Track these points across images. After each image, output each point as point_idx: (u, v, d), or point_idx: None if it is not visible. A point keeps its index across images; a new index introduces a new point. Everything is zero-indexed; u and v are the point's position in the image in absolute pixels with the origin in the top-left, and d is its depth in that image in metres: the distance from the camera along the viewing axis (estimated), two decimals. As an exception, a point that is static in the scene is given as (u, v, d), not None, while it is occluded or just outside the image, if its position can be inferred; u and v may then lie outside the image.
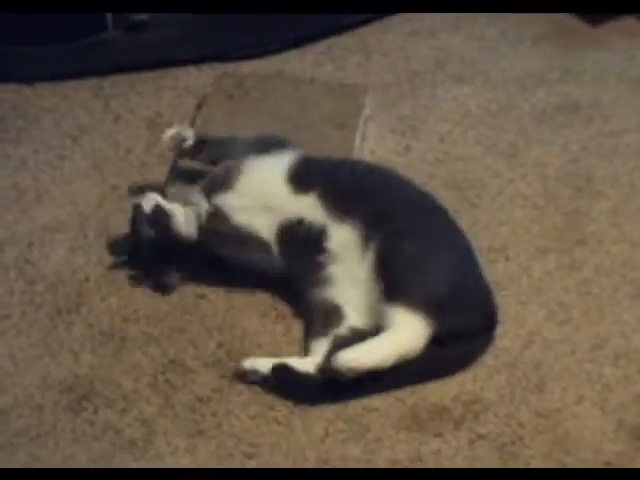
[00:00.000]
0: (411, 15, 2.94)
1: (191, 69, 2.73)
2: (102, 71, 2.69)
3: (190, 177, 2.21)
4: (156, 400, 1.86)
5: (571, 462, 1.75)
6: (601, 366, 1.91)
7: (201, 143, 2.20)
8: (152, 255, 2.06)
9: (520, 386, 1.87)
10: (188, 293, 2.07)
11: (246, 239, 2.02)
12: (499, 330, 1.97)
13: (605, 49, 2.85)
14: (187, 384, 1.89)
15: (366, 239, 1.94)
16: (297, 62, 2.68)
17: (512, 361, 1.92)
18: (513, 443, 1.79)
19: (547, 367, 1.91)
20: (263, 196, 2.04)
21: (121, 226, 2.18)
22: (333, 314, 1.92)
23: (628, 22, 2.95)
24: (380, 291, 1.89)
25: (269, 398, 1.86)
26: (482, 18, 2.95)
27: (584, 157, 2.43)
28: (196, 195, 2.09)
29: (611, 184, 2.34)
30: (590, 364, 1.92)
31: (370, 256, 1.92)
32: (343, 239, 1.96)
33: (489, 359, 1.92)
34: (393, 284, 1.89)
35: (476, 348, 1.92)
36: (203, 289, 2.07)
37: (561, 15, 2.95)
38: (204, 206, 2.07)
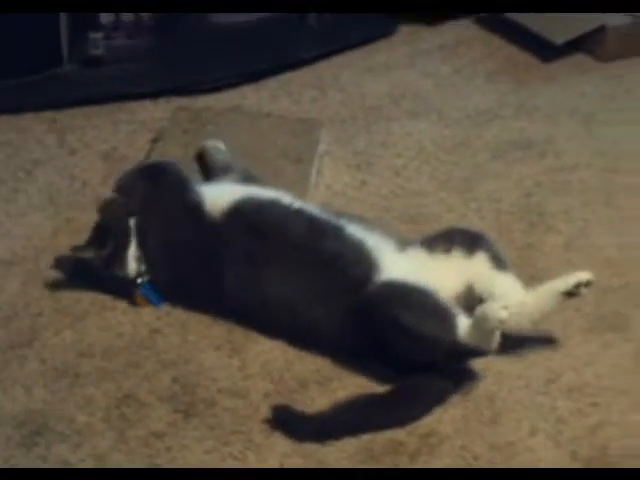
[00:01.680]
0: (367, 51, 2.98)
1: (147, 103, 2.74)
2: (58, 105, 2.69)
3: None
4: (110, 435, 1.84)
5: (525, 495, 1.76)
6: (554, 399, 1.92)
7: None
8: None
9: (475, 419, 1.88)
10: (143, 328, 2.06)
11: None
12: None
13: (557, 85, 2.90)
14: (141, 419, 1.87)
15: None
16: (253, 96, 2.70)
17: (466, 395, 1.93)
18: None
19: (501, 400, 1.91)
20: None
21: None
22: None
23: (579, 58, 3.01)
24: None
25: (224, 433, 1.85)
26: (436, 55, 3.00)
27: (537, 192, 2.46)
28: None
29: (563, 219, 2.37)
30: (543, 397, 1.93)
31: None
32: None
33: (444, 393, 1.93)
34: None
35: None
36: (158, 323, 2.07)
37: (514, 51, 3.01)
38: None
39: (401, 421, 1.86)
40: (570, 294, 1.96)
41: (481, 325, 1.87)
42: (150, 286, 2.10)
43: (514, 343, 2.02)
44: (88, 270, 2.10)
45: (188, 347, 2.02)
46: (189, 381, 1.95)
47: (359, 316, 1.93)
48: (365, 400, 1.90)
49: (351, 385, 1.94)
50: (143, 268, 2.09)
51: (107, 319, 2.08)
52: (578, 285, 1.95)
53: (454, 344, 1.88)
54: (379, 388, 1.93)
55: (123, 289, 2.10)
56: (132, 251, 2.09)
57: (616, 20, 2.96)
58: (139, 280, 2.10)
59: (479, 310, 1.87)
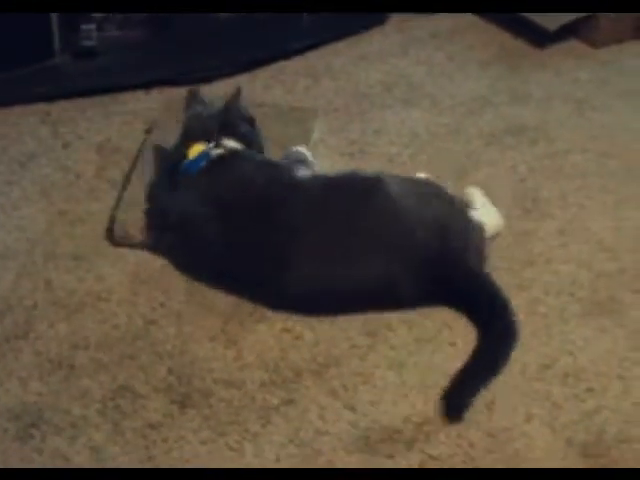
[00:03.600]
0: (359, 39, 2.97)
1: (140, 94, 2.73)
2: (50, 97, 2.68)
3: None
4: (105, 427, 1.84)
5: (522, 481, 1.76)
6: (550, 385, 1.92)
7: None
8: None
9: (470, 406, 1.88)
10: (138, 319, 2.06)
11: None
12: (449, 351, 1.98)
13: (551, 71, 2.89)
14: (137, 410, 1.87)
15: None
16: (247, 86, 2.67)
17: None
18: (464, 463, 1.79)
19: (497, 387, 1.91)
20: None
21: (68, 254, 2.17)
22: None
23: (573, 44, 3.00)
24: None
25: (220, 423, 1.85)
26: (429, 42, 2.99)
27: (531, 178, 2.46)
28: None
29: (558, 204, 2.36)
30: (539, 383, 1.93)
31: None
32: None
33: (441, 380, 1.93)
34: None
35: None
36: (153, 314, 2.06)
37: (507, 38, 3.00)
38: None
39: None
40: None
41: None
42: None
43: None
44: None
45: (183, 338, 2.02)
46: (185, 372, 1.95)
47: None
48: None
49: (347, 373, 1.94)
50: None
51: (102, 311, 2.07)
52: None
53: None
54: (379, 374, 1.94)
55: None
56: None
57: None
58: None
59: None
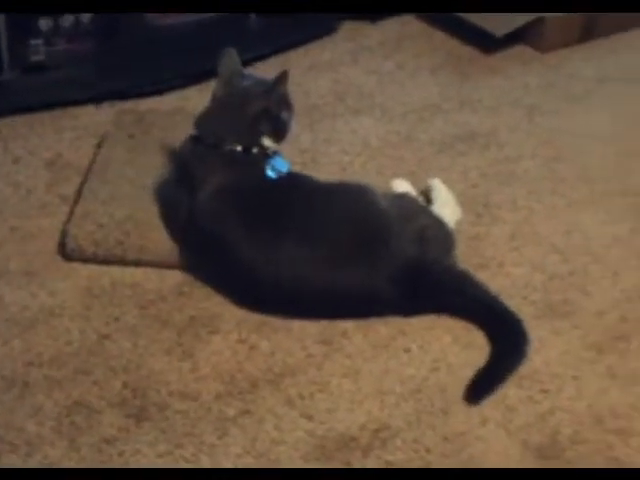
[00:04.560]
0: (309, 49, 2.98)
1: (90, 108, 2.71)
2: (0, 113, 2.66)
3: None
4: (61, 443, 1.83)
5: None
6: (504, 388, 1.93)
7: None
8: None
9: (426, 412, 1.89)
10: (91, 334, 2.04)
11: None
12: (404, 357, 1.99)
13: (500, 77, 2.92)
14: (92, 425, 1.86)
15: None
16: (197, 98, 2.68)
17: (418, 387, 1.94)
18: (421, 469, 1.80)
19: (452, 391, 1.93)
20: None
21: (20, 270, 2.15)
22: None
23: (521, 49, 3.03)
24: None
25: (177, 435, 1.84)
26: (379, 51, 3.01)
27: (482, 183, 2.47)
28: None
29: (509, 209, 2.38)
30: (494, 386, 1.94)
31: None
32: None
33: (396, 386, 1.94)
34: None
35: None
36: (107, 329, 2.05)
37: (456, 44, 3.03)
38: None
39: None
40: None
41: None
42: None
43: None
44: None
45: (138, 352, 2.01)
46: (140, 385, 1.94)
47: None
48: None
49: (303, 382, 1.95)
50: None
51: (55, 327, 2.06)
52: None
53: None
54: (335, 382, 1.94)
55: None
56: None
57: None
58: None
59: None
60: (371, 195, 2.15)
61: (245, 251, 2.05)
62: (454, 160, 2.56)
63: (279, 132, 2.19)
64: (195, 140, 2.19)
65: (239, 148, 2.14)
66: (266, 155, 2.16)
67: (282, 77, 2.18)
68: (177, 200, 2.15)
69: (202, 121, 2.20)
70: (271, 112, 2.17)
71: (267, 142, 2.17)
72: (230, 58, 2.24)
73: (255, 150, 2.15)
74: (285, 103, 2.21)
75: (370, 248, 2.05)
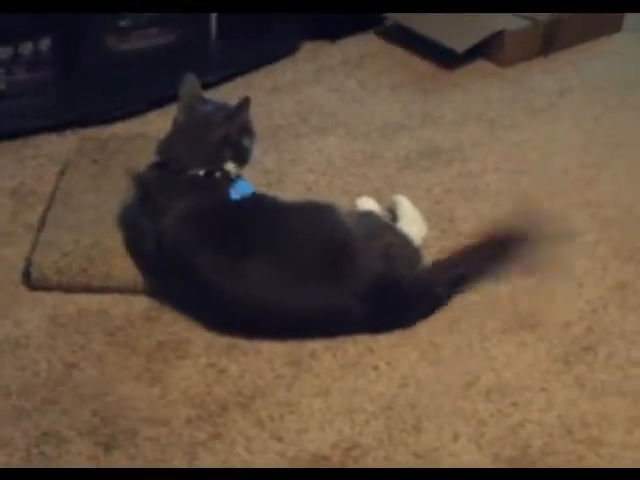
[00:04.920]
0: (271, 70, 2.99)
1: (52, 136, 2.71)
2: (-39, 143, 2.65)
3: None
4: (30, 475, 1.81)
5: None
6: (475, 402, 1.94)
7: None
8: None
9: (397, 428, 1.89)
10: (58, 363, 2.03)
11: None
12: (372, 375, 1.99)
13: (462, 92, 2.94)
14: (62, 455, 1.84)
15: None
16: (160, 122, 2.67)
17: (388, 404, 1.94)
18: (394, 486, 1.80)
19: (422, 407, 1.93)
20: None
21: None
22: None
23: (482, 64, 3.05)
24: None
25: (147, 462, 1.83)
26: (340, 70, 3.02)
27: (447, 199, 2.48)
28: None
29: (473, 223, 2.39)
30: (464, 401, 1.94)
31: None
32: None
33: (366, 404, 1.93)
34: None
35: None
36: (74, 357, 2.04)
37: (417, 61, 3.05)
38: None
39: None
40: None
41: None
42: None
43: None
44: None
45: (106, 379, 2.00)
46: (109, 413, 1.93)
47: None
48: None
49: (273, 404, 1.94)
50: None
51: (21, 357, 2.04)
52: None
53: None
54: (305, 402, 1.94)
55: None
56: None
57: (513, 24, 3.01)
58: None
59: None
60: (336, 214, 2.15)
61: (212, 273, 2.04)
62: (418, 176, 2.57)
63: (241, 158, 2.20)
64: (158, 166, 2.19)
65: (202, 173, 2.14)
66: (229, 179, 2.16)
67: (244, 103, 2.18)
68: (141, 226, 2.14)
69: (164, 147, 2.20)
70: (232, 139, 2.17)
71: (230, 166, 2.17)
72: (190, 83, 2.24)
73: (218, 174, 2.15)
74: (247, 129, 2.22)
75: (336, 266, 2.05)
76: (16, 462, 1.83)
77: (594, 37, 3.17)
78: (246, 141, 2.21)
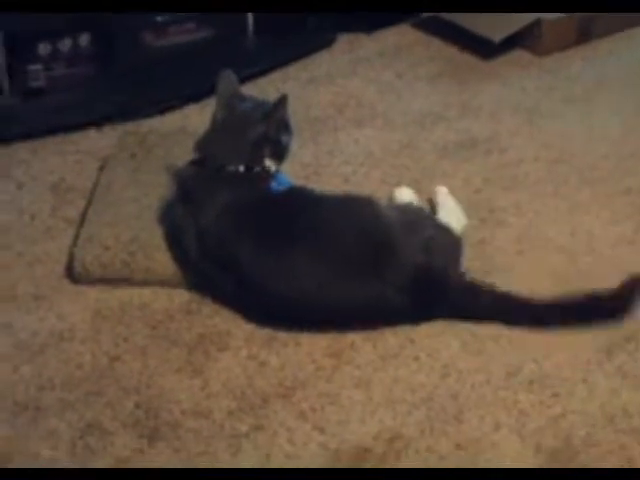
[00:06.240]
0: (308, 62, 2.99)
1: (92, 132, 2.72)
2: (1, 139, 2.67)
3: None
4: (75, 466, 1.83)
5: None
6: (516, 393, 1.93)
7: None
8: None
9: (439, 419, 1.89)
10: (102, 356, 2.05)
11: None
12: (413, 366, 1.99)
13: (499, 82, 2.92)
14: (106, 447, 1.86)
15: None
16: (197, 116, 2.69)
17: (429, 395, 1.94)
18: (436, 477, 1.80)
19: (464, 398, 1.93)
20: None
21: (28, 295, 2.17)
22: None
23: (519, 54, 3.03)
24: None
25: (190, 454, 1.84)
26: (377, 61, 3.02)
27: (486, 189, 2.48)
28: None
29: (513, 213, 2.39)
30: (505, 391, 1.94)
31: None
32: None
33: (407, 395, 1.94)
34: None
35: None
36: (117, 350, 2.06)
37: (454, 52, 3.03)
38: None
39: None
40: None
41: None
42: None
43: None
44: None
45: (149, 372, 2.02)
46: (152, 405, 1.94)
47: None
48: None
49: (314, 395, 1.95)
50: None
51: (65, 351, 2.07)
52: None
53: None
54: (346, 393, 1.94)
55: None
56: None
57: (551, 13, 2.99)
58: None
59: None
60: (376, 207, 2.16)
61: (254, 266, 2.06)
62: (457, 166, 2.57)
63: (279, 155, 2.21)
64: (197, 164, 2.20)
65: (242, 168, 2.15)
66: (268, 174, 2.17)
67: (281, 101, 2.19)
68: (182, 223, 2.16)
69: (203, 145, 2.21)
70: (271, 136, 2.18)
71: (268, 163, 2.18)
72: (228, 80, 2.25)
73: (258, 169, 2.16)
74: (284, 127, 2.22)
75: (378, 258, 2.05)
76: (61, 454, 1.85)
77: (632, 26, 3.14)
78: (284, 138, 2.22)
